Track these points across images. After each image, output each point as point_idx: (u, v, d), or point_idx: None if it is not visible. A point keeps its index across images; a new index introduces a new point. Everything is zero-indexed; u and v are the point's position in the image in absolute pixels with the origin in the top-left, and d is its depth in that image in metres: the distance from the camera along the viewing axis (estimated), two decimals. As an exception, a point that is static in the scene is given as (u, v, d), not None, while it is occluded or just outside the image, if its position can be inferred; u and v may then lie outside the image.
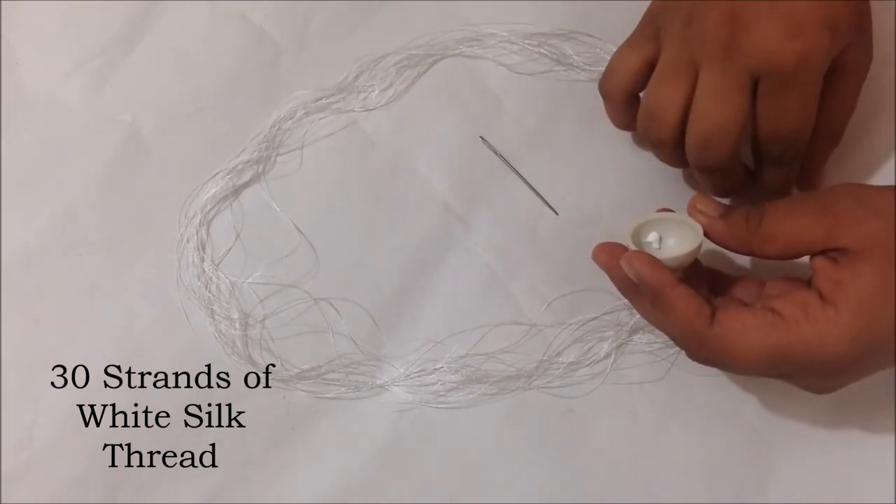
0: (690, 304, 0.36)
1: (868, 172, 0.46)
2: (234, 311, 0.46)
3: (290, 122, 0.49)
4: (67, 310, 0.46)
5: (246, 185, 0.48)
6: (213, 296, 0.46)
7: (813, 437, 0.44)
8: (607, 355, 0.45)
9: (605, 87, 0.44)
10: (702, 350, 0.37)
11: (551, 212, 0.47)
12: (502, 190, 0.47)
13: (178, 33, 0.50)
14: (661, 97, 0.40)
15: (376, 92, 0.49)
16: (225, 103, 0.49)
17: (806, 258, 0.37)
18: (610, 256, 0.39)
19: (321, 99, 0.49)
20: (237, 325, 0.46)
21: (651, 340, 0.45)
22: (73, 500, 0.44)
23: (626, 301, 0.45)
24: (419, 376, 0.45)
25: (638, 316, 0.46)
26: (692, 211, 0.39)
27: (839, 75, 0.40)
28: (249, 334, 0.46)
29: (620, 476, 0.44)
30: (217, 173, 0.48)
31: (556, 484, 0.44)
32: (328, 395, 0.45)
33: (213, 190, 0.48)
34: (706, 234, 0.38)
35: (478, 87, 0.49)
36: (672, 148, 0.41)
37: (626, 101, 0.43)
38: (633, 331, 0.46)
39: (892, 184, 0.37)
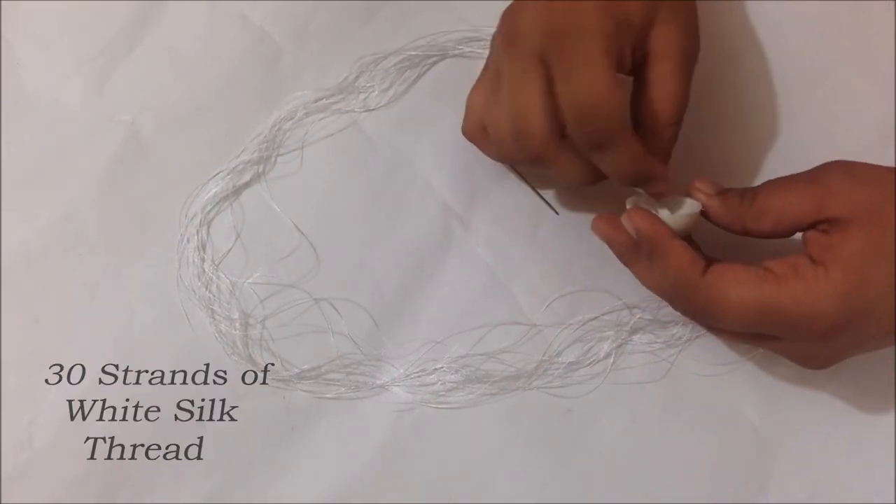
0: (685, 255, 0.38)
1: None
2: (234, 311, 0.46)
3: (291, 122, 0.49)
4: (67, 310, 0.46)
5: (246, 185, 0.48)
6: (214, 296, 0.46)
7: (813, 437, 0.44)
8: (607, 355, 0.45)
9: (464, 131, 0.45)
10: (692, 299, 0.38)
11: (551, 212, 0.47)
12: (502, 190, 0.47)
13: (179, 34, 0.50)
14: (495, 119, 0.40)
15: (376, 92, 0.49)
16: (225, 103, 0.49)
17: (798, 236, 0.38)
18: (609, 224, 0.40)
19: (321, 99, 0.49)
20: (237, 325, 0.46)
21: (651, 340, 0.46)
22: (73, 500, 0.44)
23: (626, 301, 0.46)
24: (419, 376, 0.45)
25: (638, 316, 0.46)
26: (691, 189, 0.40)
27: (650, 62, 0.40)
28: (250, 334, 0.46)
29: (620, 476, 0.44)
30: (217, 173, 0.48)
31: (556, 484, 0.44)
32: (328, 395, 0.45)
33: (214, 190, 0.48)
34: (703, 213, 0.40)
35: (478, 87, 0.49)
36: (551, 154, 0.40)
37: (484, 137, 0.43)
38: (633, 331, 0.46)
39: None
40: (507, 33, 0.39)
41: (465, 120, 0.45)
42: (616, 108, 0.37)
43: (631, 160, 0.39)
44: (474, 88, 0.44)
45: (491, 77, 0.41)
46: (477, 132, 0.44)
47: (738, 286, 0.37)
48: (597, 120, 0.37)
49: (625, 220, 0.39)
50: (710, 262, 0.39)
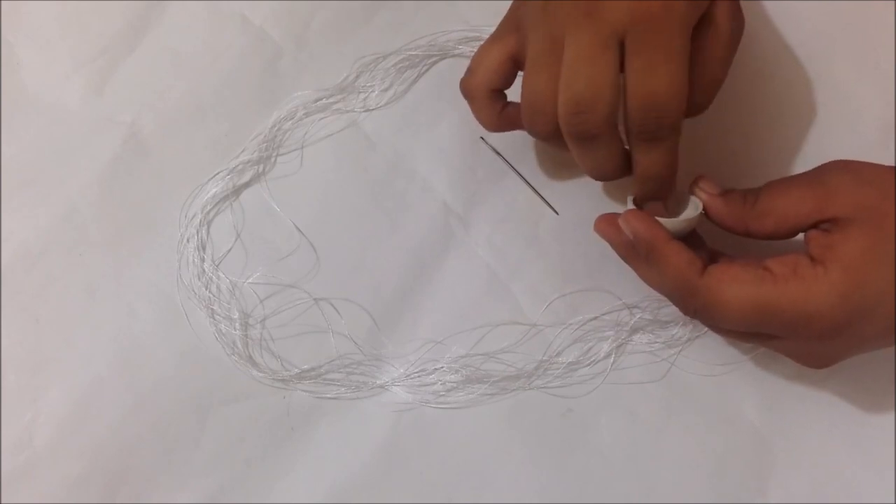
0: (682, 256, 0.38)
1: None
2: (234, 311, 0.46)
3: (291, 122, 0.49)
4: (67, 310, 0.46)
5: (246, 185, 0.48)
6: (214, 296, 0.46)
7: (813, 437, 0.44)
8: (607, 355, 0.45)
9: (466, 85, 0.42)
10: (691, 299, 0.38)
11: (551, 212, 0.47)
12: (502, 190, 0.47)
13: (179, 34, 0.50)
14: (538, 86, 0.38)
15: (376, 92, 0.49)
16: (225, 103, 0.49)
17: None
18: (609, 224, 0.40)
19: (321, 99, 0.49)
20: (237, 325, 0.46)
21: (651, 340, 0.46)
22: (73, 500, 0.44)
23: (626, 301, 0.46)
24: (419, 376, 0.45)
25: (638, 316, 0.46)
26: (694, 188, 0.40)
27: (705, 33, 0.38)
28: (250, 334, 0.46)
29: (620, 476, 0.44)
30: (217, 173, 0.48)
31: (556, 484, 0.44)
32: (328, 395, 0.45)
33: (214, 190, 0.48)
34: (705, 212, 0.40)
35: (478, 87, 0.49)
36: (605, 134, 0.38)
37: (489, 99, 0.42)
38: (633, 331, 0.46)
39: None
40: (589, 6, 0.36)
41: (473, 76, 0.42)
42: (683, 103, 0.36)
43: (671, 160, 0.38)
44: (491, 45, 0.41)
45: (538, 44, 0.38)
46: (481, 91, 0.42)
47: (736, 286, 0.37)
48: (667, 113, 0.36)
49: (621, 222, 0.39)
50: (709, 259, 0.39)
